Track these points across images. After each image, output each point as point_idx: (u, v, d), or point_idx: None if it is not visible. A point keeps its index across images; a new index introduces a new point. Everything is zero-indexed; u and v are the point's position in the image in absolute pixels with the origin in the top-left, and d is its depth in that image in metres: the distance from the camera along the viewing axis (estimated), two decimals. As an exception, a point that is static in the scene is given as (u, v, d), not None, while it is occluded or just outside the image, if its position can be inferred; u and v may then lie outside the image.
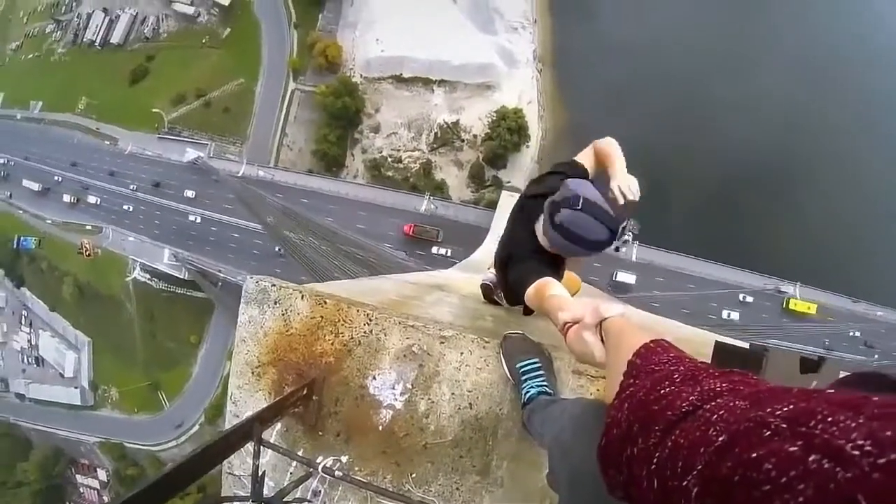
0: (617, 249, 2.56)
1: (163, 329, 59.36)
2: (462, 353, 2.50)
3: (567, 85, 50.26)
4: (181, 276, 55.34)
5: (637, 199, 2.90)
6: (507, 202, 37.44)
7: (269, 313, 2.77)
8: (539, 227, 2.83)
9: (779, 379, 1.57)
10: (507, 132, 47.98)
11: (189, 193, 54.69)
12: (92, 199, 60.27)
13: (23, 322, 69.26)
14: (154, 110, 59.79)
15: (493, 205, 44.29)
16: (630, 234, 2.52)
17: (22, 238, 66.25)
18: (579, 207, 2.50)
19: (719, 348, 2.03)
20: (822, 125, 44.02)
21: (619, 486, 0.94)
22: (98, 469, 64.98)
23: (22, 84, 73.42)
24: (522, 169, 48.60)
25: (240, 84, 58.69)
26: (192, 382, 58.30)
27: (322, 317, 2.68)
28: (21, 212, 67.34)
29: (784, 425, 0.63)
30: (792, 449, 0.59)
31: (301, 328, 2.70)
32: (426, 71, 53.03)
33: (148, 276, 58.43)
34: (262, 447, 2.21)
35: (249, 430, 2.14)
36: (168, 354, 58.99)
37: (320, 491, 2.63)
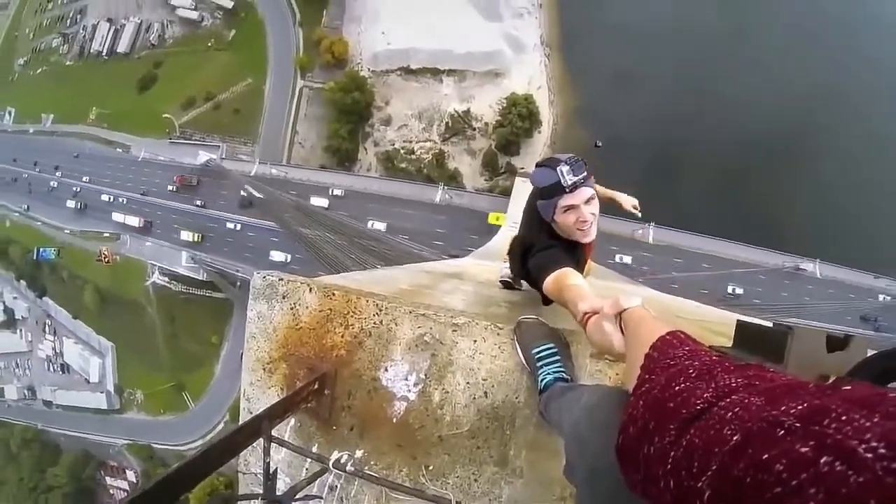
0: (570, 190, 2.68)
1: (184, 331, 59.84)
2: (475, 341, 2.43)
3: (576, 68, 49.93)
4: (200, 278, 55.73)
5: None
6: (522, 188, 37.28)
7: (277, 308, 2.72)
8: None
9: (804, 358, 1.49)
10: (518, 118, 47.79)
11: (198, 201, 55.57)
12: (105, 199, 61.01)
13: (47, 330, 70.13)
14: (164, 116, 60.17)
15: (507, 192, 44.18)
16: (570, 170, 2.65)
17: (42, 249, 66.93)
18: (538, 163, 2.84)
19: (741, 328, 1.96)
20: (843, 92, 43.30)
21: (638, 484, 0.94)
22: (127, 471, 65.74)
23: (32, 98, 74.33)
24: (535, 154, 48.36)
25: (248, 84, 58.90)
26: (215, 382, 58.77)
27: (331, 309, 2.63)
28: (39, 223, 68.07)
29: (798, 424, 0.62)
30: (804, 450, 0.58)
31: (310, 322, 2.65)
32: (434, 61, 52.99)
33: (167, 279, 58.90)
34: (272, 444, 2.16)
35: (258, 428, 2.10)
36: (191, 355, 59.47)
37: (336, 486, 2.59)
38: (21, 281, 71.84)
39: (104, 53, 68.76)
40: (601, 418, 1.43)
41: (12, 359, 73.63)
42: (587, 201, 2.76)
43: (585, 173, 2.69)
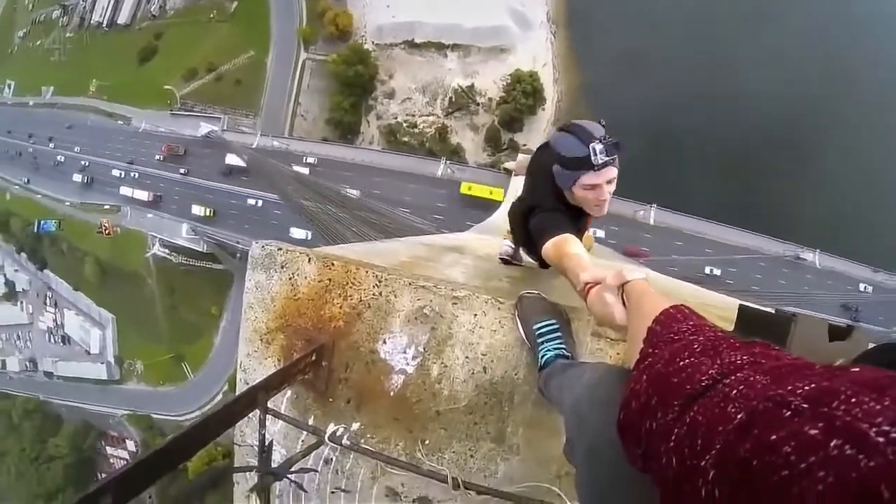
0: (597, 169, 2.53)
1: (184, 302, 60.08)
2: (476, 315, 2.39)
3: (582, 47, 49.69)
4: (200, 250, 55.84)
5: None
6: (517, 182, 37.14)
7: (275, 278, 2.69)
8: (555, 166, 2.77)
9: (806, 346, 1.47)
10: (522, 95, 47.76)
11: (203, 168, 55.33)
12: (116, 174, 60.66)
13: (48, 303, 70.48)
14: (166, 87, 59.92)
15: (509, 169, 43.93)
16: (604, 149, 2.50)
17: (42, 221, 67.05)
18: (566, 129, 2.65)
19: (743, 313, 1.93)
20: (854, 84, 43.28)
21: (639, 459, 0.93)
22: (127, 440, 66.37)
23: (32, 71, 74.24)
24: (539, 132, 48.31)
25: (250, 56, 58.59)
26: (214, 353, 59.13)
27: (330, 280, 2.59)
28: (39, 196, 68.08)
29: (805, 405, 0.61)
30: (813, 432, 0.56)
31: (309, 292, 2.62)
32: (439, 35, 52.74)
33: (167, 250, 58.99)
34: (268, 416, 2.13)
35: (254, 399, 2.07)
36: (190, 327, 59.76)
37: (332, 459, 2.58)
38: (22, 253, 72.09)
39: (104, 25, 68.41)
40: (602, 396, 1.39)
41: (14, 331, 74.16)
42: (609, 181, 2.66)
43: (616, 155, 2.58)
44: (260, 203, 52.69)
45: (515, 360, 2.34)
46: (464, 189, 46.07)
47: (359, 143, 53.32)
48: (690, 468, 0.71)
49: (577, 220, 2.85)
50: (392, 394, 2.45)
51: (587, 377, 1.60)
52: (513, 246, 4.23)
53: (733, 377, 0.77)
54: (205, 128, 55.06)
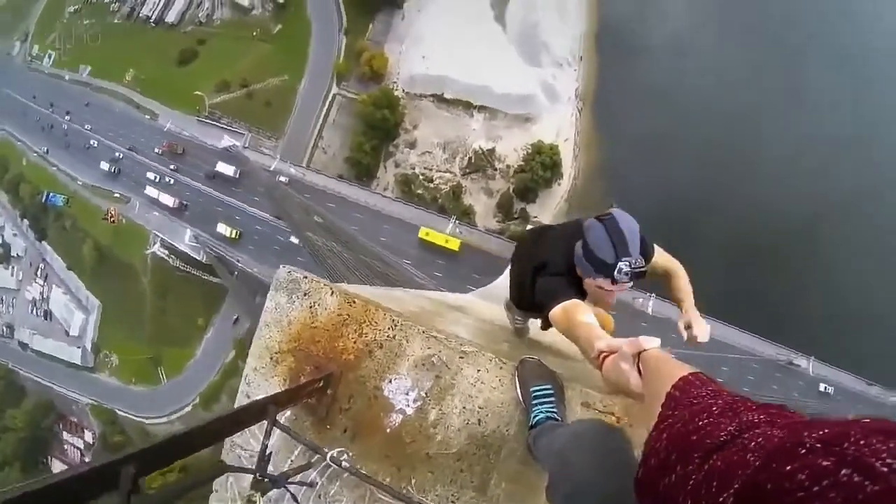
0: (614, 282, 2.53)
1: (173, 307, 59.77)
2: (479, 370, 2.56)
3: (605, 126, 50.24)
4: (199, 259, 55.80)
5: (705, 341, 2.90)
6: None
7: (297, 303, 2.85)
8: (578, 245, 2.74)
9: None
10: (540, 167, 48.07)
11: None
12: (151, 176, 60.42)
13: (38, 274, 70.12)
14: (197, 93, 60.64)
15: (517, 238, 43.95)
16: (629, 274, 2.50)
17: (51, 194, 67.22)
18: (605, 220, 2.58)
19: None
20: (870, 196, 43.34)
21: None
22: (86, 430, 65.30)
23: (75, 48, 74.85)
24: (551, 206, 48.66)
25: (284, 80, 59.37)
26: (193, 364, 58.61)
27: (349, 315, 2.76)
28: (55, 168, 68.35)
29: (818, 445, 0.67)
30: (825, 463, 0.63)
31: (326, 322, 2.78)
32: (468, 94, 53.46)
33: (167, 252, 59.00)
34: (273, 428, 2.29)
35: (265, 410, 2.22)
36: (174, 332, 59.34)
37: (317, 483, 2.70)
38: (24, 220, 71.98)
39: (152, 20, 69.46)
40: (586, 441, 1.59)
41: (-1, 293, 73.67)
42: (621, 290, 2.67)
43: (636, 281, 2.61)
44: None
45: (509, 417, 2.49)
46: (422, 234, 47.63)
47: (374, 187, 53.52)
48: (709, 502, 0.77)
49: (580, 290, 2.81)
50: (388, 431, 2.58)
51: (574, 427, 1.79)
52: (521, 320, 4.23)
53: (751, 432, 0.81)
54: (227, 140, 55.62)
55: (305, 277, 2.89)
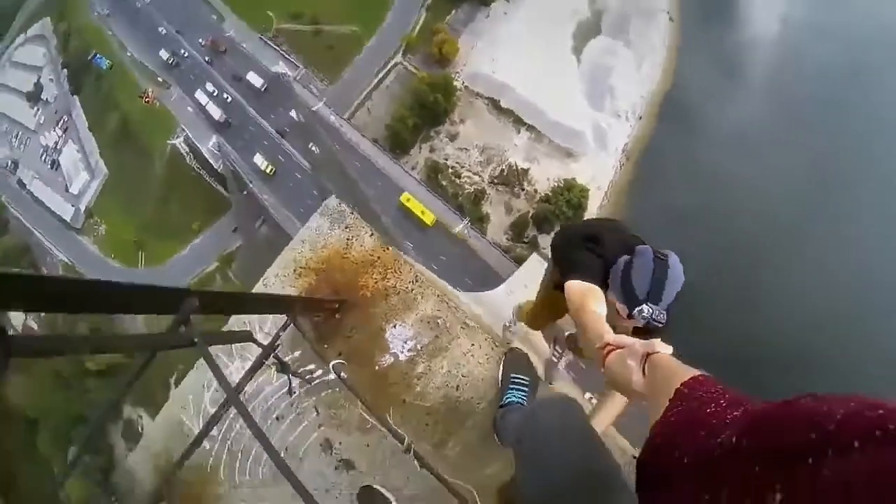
0: (629, 316, 2.37)
1: (176, 202, 59.60)
2: (473, 344, 2.85)
3: (641, 187, 49.79)
4: (216, 167, 55.86)
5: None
6: (533, 266, 37.14)
7: (336, 232, 3.15)
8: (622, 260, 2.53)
9: None
10: (566, 203, 48.21)
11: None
12: (210, 88, 60.20)
13: (60, 125, 69.70)
14: (268, 12, 60.43)
15: (520, 260, 43.67)
16: (646, 319, 2.33)
17: (98, 55, 67.10)
18: (660, 257, 2.43)
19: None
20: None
21: (649, 482, 1.05)
22: (53, 286, 65.16)
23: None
24: (561, 246, 48.53)
25: (353, 31, 58.88)
26: (173, 261, 58.47)
27: (379, 258, 3.05)
28: (110, 33, 68.22)
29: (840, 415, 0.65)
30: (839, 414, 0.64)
31: (357, 257, 3.07)
32: (522, 110, 53.33)
33: (188, 149, 58.92)
34: (290, 324, 2.58)
35: (291, 305, 2.52)
36: (167, 226, 59.13)
37: (296, 392, 2.99)
38: (65, 70, 71.76)
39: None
40: (548, 400, 1.85)
41: (16, 128, 73.23)
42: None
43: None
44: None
45: (483, 393, 2.78)
46: (403, 199, 49.11)
47: (403, 163, 53.49)
48: (709, 446, 0.82)
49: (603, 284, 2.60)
50: (377, 368, 2.88)
51: (541, 398, 2.03)
52: (559, 351, 3.94)
53: None
54: (281, 67, 55.84)
55: (352, 213, 3.18)
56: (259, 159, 53.67)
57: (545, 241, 48.43)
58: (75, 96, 69.57)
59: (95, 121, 66.44)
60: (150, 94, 60.40)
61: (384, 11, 58.96)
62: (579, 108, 52.73)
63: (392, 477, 2.51)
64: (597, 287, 2.45)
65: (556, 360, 3.96)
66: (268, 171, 53.15)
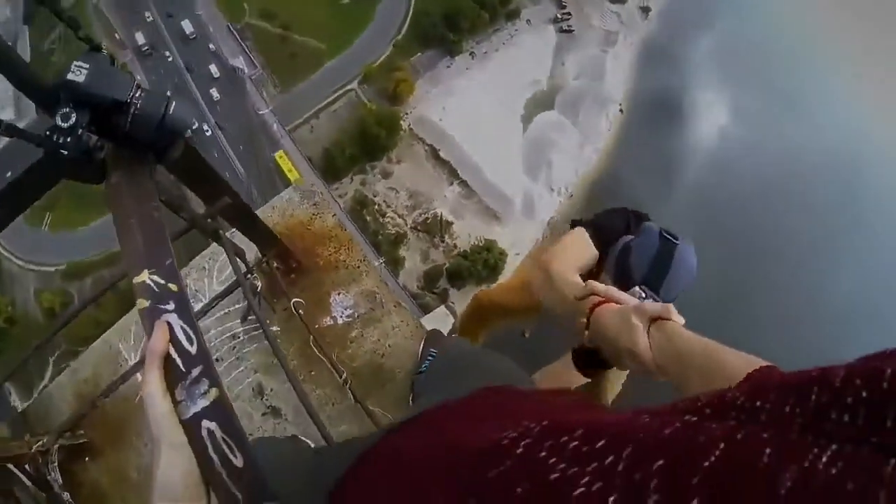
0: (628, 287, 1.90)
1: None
2: (402, 321, 3.31)
3: (557, 262, 51.20)
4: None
5: None
6: (439, 318, 37.43)
7: (304, 206, 3.59)
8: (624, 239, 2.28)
9: None
10: (482, 263, 49.05)
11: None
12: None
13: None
14: (244, 3, 59.74)
15: (426, 309, 43.68)
16: (644, 294, 1.84)
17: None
18: (669, 241, 2.13)
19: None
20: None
21: None
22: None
23: None
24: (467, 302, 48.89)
25: (318, 48, 59.13)
26: (84, 230, 54.07)
27: (336, 236, 3.51)
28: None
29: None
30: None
31: (317, 231, 3.52)
32: (459, 164, 54.68)
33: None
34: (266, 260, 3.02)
35: (277, 241, 2.97)
36: (92, 195, 55.62)
37: (240, 336, 3.38)
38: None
39: None
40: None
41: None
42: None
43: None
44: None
45: (404, 363, 3.23)
46: (277, 155, 51.40)
47: (332, 188, 53.52)
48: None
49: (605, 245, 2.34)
50: (316, 326, 3.31)
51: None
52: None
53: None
54: (240, 62, 55.95)
55: (321, 193, 3.66)
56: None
57: (454, 296, 49.18)
58: (25, 26, 66.35)
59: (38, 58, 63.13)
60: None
61: (355, 36, 59.24)
62: (515, 174, 54.36)
63: (314, 429, 2.83)
64: (593, 247, 2.30)
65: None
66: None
